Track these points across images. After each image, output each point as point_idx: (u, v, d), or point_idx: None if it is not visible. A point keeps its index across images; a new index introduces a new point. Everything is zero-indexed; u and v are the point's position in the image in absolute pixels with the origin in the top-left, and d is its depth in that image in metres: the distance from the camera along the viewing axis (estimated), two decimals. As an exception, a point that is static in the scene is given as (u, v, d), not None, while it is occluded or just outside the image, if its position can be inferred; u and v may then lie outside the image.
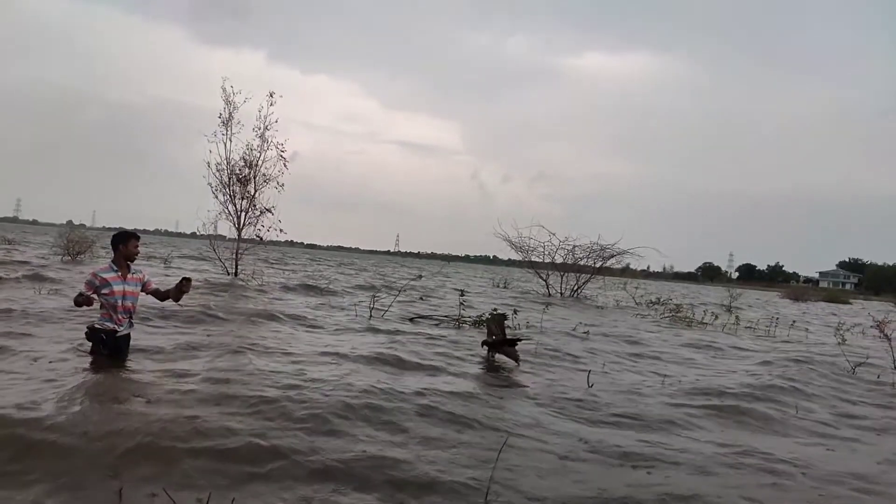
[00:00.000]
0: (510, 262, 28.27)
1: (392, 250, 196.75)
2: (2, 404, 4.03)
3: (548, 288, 24.13)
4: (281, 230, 18.30)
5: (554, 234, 24.05)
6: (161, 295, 5.80)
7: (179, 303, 5.94)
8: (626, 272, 29.21)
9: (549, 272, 24.72)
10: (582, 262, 24.45)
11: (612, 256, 24.50)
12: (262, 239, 18.36)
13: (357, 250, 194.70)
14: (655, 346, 10.50)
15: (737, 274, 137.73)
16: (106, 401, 4.43)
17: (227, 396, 4.70)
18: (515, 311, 11.61)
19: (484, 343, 7.63)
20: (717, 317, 15.93)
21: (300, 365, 6.19)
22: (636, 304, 20.85)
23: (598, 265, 24.54)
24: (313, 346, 7.60)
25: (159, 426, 3.84)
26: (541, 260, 24.81)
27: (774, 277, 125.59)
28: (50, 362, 5.52)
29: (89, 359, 5.55)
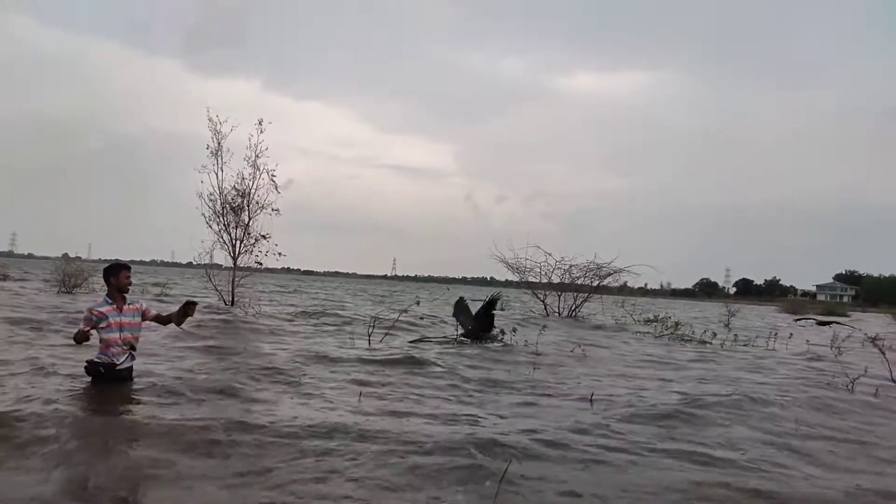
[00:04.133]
0: (507, 283, 28.17)
1: (389, 274, 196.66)
2: None
3: (545, 308, 24.10)
4: (279, 254, 18.34)
5: (550, 255, 24.07)
6: (163, 320, 5.77)
7: (181, 326, 5.90)
8: (623, 290, 29.13)
9: (547, 292, 24.71)
10: (579, 282, 24.46)
11: (609, 275, 24.49)
12: (261, 264, 18.36)
13: (354, 275, 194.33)
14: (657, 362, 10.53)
15: (734, 289, 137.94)
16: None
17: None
18: (514, 330, 11.67)
19: (464, 336, 7.51)
20: (715, 334, 16.02)
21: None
22: (634, 321, 20.85)
23: (595, 284, 24.55)
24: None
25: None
26: (538, 280, 24.80)
27: (772, 292, 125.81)
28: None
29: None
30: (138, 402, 5.35)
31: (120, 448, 4.23)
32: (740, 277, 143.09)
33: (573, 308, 23.83)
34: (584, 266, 24.11)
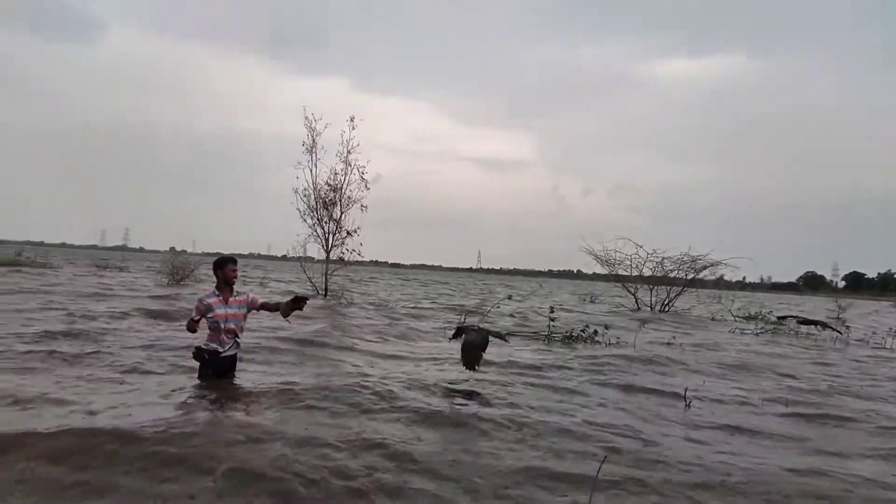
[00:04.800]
0: (595, 276, 27.56)
1: (474, 267, 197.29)
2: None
3: (637, 302, 23.40)
4: (360, 253, 18.87)
5: (641, 247, 23.30)
6: (270, 307, 5.97)
7: (287, 319, 6.10)
8: (719, 284, 27.74)
9: (638, 286, 23.97)
10: (672, 275, 23.55)
11: (705, 268, 23.42)
12: (344, 260, 18.95)
13: (440, 268, 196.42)
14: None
15: (843, 283, 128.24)
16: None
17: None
18: (606, 327, 11.34)
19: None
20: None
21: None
22: (733, 317, 19.81)
23: (689, 277, 23.55)
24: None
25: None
26: (628, 273, 24.08)
27: (887, 286, 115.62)
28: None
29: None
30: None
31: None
32: (850, 271, 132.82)
33: (666, 302, 22.99)
34: (678, 258, 23.19)
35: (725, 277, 26.16)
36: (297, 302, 5.76)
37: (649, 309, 22.64)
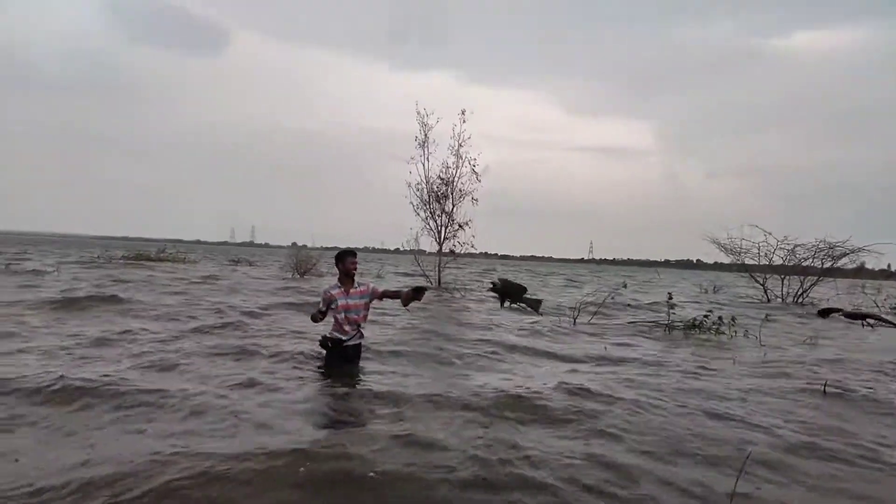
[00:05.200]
0: (717, 266, 26.12)
1: (586, 258, 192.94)
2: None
3: (766, 293, 21.89)
4: (472, 245, 19.10)
5: (770, 234, 21.75)
6: (391, 294, 6.17)
7: (406, 308, 6.33)
8: (861, 273, 25.33)
9: (767, 275, 22.41)
10: (805, 263, 21.78)
11: (844, 255, 21.41)
12: (455, 253, 19.27)
13: (550, 259, 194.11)
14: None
15: None
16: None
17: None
18: (734, 319, 10.77)
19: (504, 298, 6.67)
20: None
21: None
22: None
23: (825, 266, 21.65)
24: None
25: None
26: (756, 262, 22.55)
27: None
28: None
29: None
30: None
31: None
32: None
33: (799, 293, 21.30)
34: (813, 246, 21.41)
35: (868, 266, 23.85)
36: (417, 292, 5.94)
37: (780, 300, 21.13)
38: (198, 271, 23.85)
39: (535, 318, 11.04)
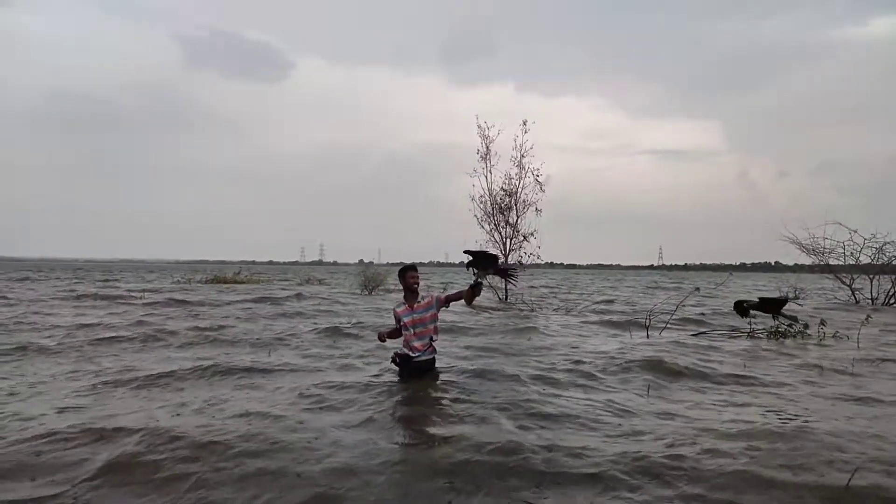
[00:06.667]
0: (797, 268, 24.59)
1: (656, 264, 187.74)
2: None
3: (853, 294, 20.61)
4: (539, 256, 18.89)
5: (855, 231, 20.49)
6: (453, 297, 6.26)
7: (470, 306, 6.45)
8: (962, 270, 23.50)
9: (854, 276, 21.09)
10: (896, 262, 20.37)
11: (941, 251, 19.94)
12: (523, 264, 19.09)
13: (618, 267, 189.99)
14: None
15: None
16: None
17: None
18: (823, 323, 10.22)
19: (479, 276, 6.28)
20: None
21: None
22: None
23: (921, 263, 20.18)
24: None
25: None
26: (841, 262, 21.27)
27: None
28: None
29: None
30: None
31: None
32: None
33: (891, 293, 19.93)
34: (904, 242, 20.01)
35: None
36: (475, 288, 5.98)
37: (870, 301, 19.84)
38: (322, 293, 24.59)
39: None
